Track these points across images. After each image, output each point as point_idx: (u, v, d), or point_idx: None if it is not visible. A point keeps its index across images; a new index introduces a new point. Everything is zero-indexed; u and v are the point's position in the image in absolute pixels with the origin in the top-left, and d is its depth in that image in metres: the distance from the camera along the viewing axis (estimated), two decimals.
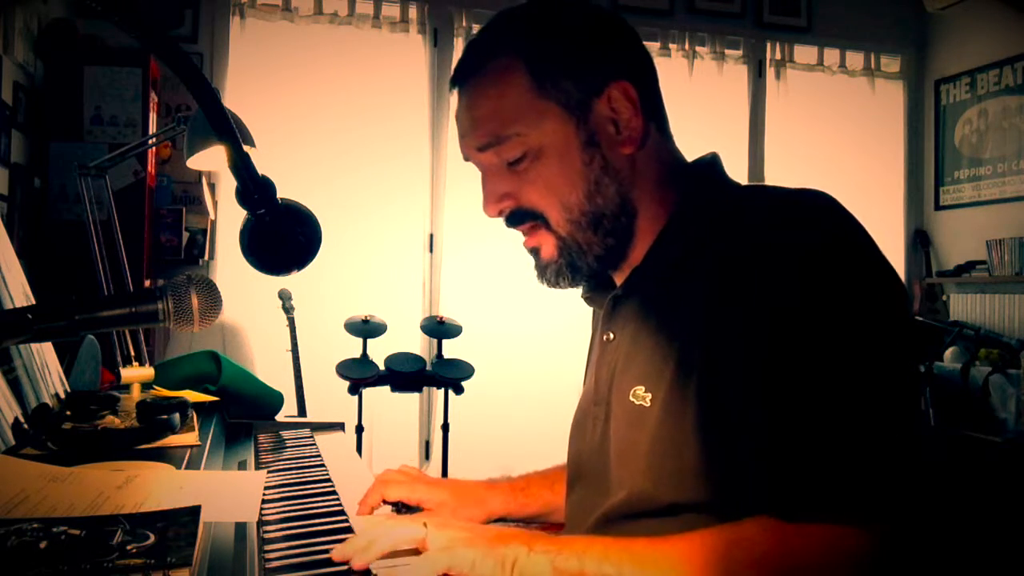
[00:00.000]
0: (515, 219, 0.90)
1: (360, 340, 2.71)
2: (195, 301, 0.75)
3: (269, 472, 1.10)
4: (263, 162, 0.73)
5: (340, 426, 1.51)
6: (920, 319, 4.08)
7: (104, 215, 1.58)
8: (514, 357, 3.96)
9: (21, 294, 1.16)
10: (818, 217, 0.79)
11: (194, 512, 0.69)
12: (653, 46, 4.17)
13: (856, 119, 4.54)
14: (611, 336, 0.93)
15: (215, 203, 3.71)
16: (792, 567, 0.70)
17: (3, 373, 0.97)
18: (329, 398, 3.10)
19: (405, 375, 2.71)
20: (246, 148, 0.65)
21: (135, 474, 0.86)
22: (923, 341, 3.88)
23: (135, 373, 1.35)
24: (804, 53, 4.50)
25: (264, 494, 0.93)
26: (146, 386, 1.37)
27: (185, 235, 3.64)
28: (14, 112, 2.99)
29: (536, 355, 3.97)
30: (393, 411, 3.70)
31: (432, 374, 2.74)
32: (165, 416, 1.07)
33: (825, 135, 4.49)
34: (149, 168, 3.31)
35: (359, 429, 2.78)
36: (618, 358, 0.91)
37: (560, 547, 0.74)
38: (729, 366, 0.76)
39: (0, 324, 0.64)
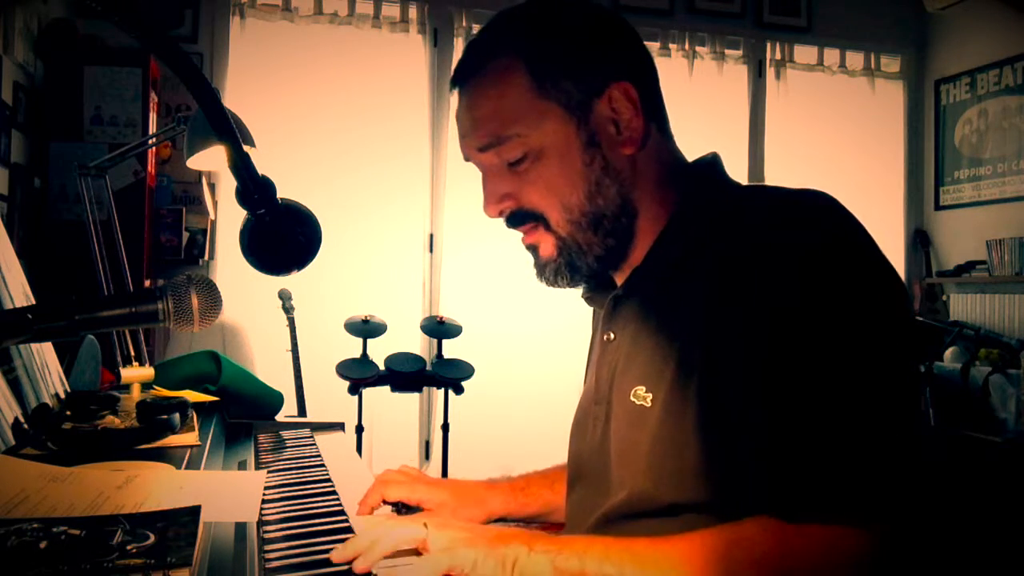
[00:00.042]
0: (516, 220, 0.90)
1: (360, 340, 2.71)
2: (195, 301, 0.75)
3: (269, 472, 1.10)
4: (263, 162, 0.73)
5: (340, 426, 1.51)
6: (920, 319, 4.07)
7: (104, 215, 1.58)
8: (514, 357, 3.95)
9: (21, 294, 1.16)
10: (818, 217, 0.79)
11: (194, 512, 0.69)
12: (653, 46, 4.17)
13: (856, 119, 4.54)
14: (612, 336, 0.93)
15: (215, 203, 3.71)
16: (792, 567, 0.70)
17: (3, 373, 0.97)
18: (329, 398, 3.10)
19: (405, 375, 2.71)
20: (246, 148, 0.65)
21: (135, 474, 0.86)
22: (923, 341, 3.88)
23: (135, 373, 1.35)
24: (804, 53, 4.50)
25: (264, 494, 0.93)
26: (146, 386, 1.37)
27: (185, 235, 3.64)
28: (14, 112, 2.99)
29: (536, 355, 3.96)
30: (393, 411, 3.70)
31: (432, 374, 2.74)
32: (165, 416, 1.07)
33: (825, 135, 4.49)
34: (149, 168, 3.31)
35: (359, 429, 2.78)
36: (619, 358, 0.91)
37: (561, 547, 0.74)
38: (729, 366, 0.76)
39: (0, 324, 0.64)
